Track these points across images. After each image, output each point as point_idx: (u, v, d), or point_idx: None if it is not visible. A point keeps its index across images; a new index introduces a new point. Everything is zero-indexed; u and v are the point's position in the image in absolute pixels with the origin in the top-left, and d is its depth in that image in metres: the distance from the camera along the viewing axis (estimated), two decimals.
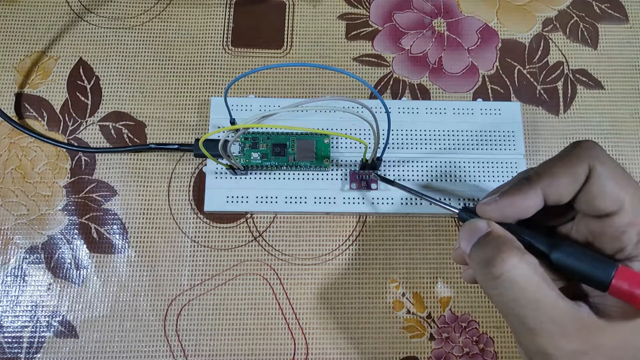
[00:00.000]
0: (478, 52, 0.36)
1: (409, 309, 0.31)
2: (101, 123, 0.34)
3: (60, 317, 0.31)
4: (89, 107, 0.34)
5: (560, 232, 0.23)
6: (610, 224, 0.20)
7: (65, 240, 0.32)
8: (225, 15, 0.37)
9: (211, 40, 0.36)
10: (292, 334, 0.31)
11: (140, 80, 0.35)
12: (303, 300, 0.31)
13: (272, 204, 0.31)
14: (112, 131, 0.34)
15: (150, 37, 0.36)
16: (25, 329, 0.30)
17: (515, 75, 0.36)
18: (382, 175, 0.32)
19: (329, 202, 0.31)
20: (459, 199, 0.32)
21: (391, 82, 0.35)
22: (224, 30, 0.36)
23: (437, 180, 0.32)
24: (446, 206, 0.26)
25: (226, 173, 0.32)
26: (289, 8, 0.37)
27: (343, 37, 0.36)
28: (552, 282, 0.20)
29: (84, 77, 0.35)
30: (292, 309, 0.31)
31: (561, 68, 0.36)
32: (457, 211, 0.24)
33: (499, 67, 0.36)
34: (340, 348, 0.31)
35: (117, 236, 0.32)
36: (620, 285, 0.19)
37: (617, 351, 0.19)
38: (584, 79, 0.36)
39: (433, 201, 0.27)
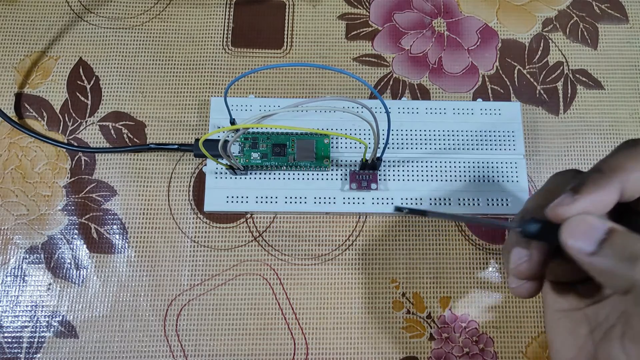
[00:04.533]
0: (478, 52, 0.36)
1: (409, 309, 0.31)
2: (101, 123, 0.34)
3: (60, 317, 0.31)
4: (89, 107, 0.34)
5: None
6: None
7: (65, 240, 0.32)
8: (225, 15, 0.37)
9: (211, 40, 0.36)
10: (292, 334, 0.31)
11: (140, 80, 0.35)
12: (303, 300, 0.31)
13: (272, 204, 0.31)
14: (112, 131, 0.34)
15: (150, 37, 0.36)
16: (25, 329, 0.30)
17: (515, 75, 0.36)
18: (384, 176, 0.32)
19: (329, 202, 0.31)
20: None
21: (391, 82, 0.35)
22: (224, 30, 0.36)
23: (437, 180, 0.32)
24: (501, 226, 0.22)
25: (226, 173, 0.32)
26: (289, 8, 0.37)
27: (343, 37, 0.36)
28: None
29: (84, 77, 0.35)
30: (292, 309, 0.31)
31: (561, 68, 0.36)
32: (518, 228, 0.21)
33: (499, 67, 0.36)
34: (340, 348, 0.31)
35: (117, 236, 0.32)
36: None
37: None
38: (584, 79, 0.36)
39: (485, 224, 0.23)
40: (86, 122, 0.34)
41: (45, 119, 0.34)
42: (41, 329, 0.30)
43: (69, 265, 0.31)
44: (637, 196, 0.20)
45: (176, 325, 0.31)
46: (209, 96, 0.35)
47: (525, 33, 0.37)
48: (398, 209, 0.22)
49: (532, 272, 0.22)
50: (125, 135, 0.34)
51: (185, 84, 0.35)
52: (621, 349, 0.19)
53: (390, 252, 0.32)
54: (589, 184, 0.20)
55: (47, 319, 0.30)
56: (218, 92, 0.35)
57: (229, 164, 0.30)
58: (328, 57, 0.36)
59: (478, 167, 0.32)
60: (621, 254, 0.18)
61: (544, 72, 0.36)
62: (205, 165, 0.33)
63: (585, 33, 0.37)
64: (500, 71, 0.36)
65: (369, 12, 0.37)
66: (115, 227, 0.32)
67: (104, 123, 0.34)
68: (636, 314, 0.19)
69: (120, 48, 0.36)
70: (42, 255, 0.31)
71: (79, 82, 0.35)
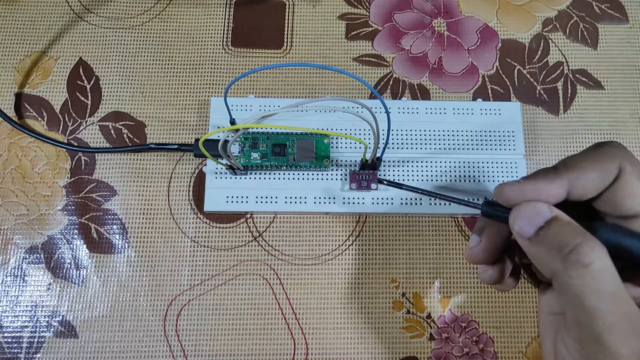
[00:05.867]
0: (478, 52, 0.36)
1: (409, 309, 0.31)
2: (101, 123, 0.34)
3: (60, 317, 0.31)
4: (89, 107, 0.34)
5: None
6: (638, 226, 0.20)
7: (65, 240, 0.32)
8: (225, 15, 0.37)
9: (211, 40, 0.36)
10: (292, 334, 0.31)
11: (140, 80, 0.35)
12: (303, 300, 0.31)
13: (272, 204, 0.31)
14: (112, 131, 0.34)
15: (150, 37, 0.36)
16: (25, 329, 0.30)
17: (515, 75, 0.36)
18: (384, 176, 0.32)
19: (329, 202, 0.31)
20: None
21: (391, 82, 0.35)
22: (224, 30, 0.36)
23: (437, 180, 0.32)
24: (466, 203, 0.24)
25: (226, 173, 0.32)
26: (289, 8, 0.37)
27: (343, 37, 0.36)
28: None
29: (84, 77, 0.35)
30: (292, 309, 0.31)
31: (561, 68, 0.36)
32: (479, 205, 0.23)
33: (499, 67, 0.36)
34: (340, 348, 0.31)
35: (117, 236, 0.32)
36: None
37: None
38: (584, 79, 0.36)
39: (452, 199, 0.25)
40: (86, 122, 0.34)
41: (45, 119, 0.34)
42: (41, 329, 0.30)
43: (69, 265, 0.31)
44: (589, 196, 0.21)
45: (176, 325, 0.31)
46: (209, 96, 0.35)
47: (525, 33, 0.37)
48: (379, 181, 0.30)
49: (482, 258, 0.23)
50: (125, 135, 0.34)
51: (185, 84, 0.35)
52: (561, 340, 0.20)
53: (390, 252, 0.32)
54: (538, 174, 0.21)
55: (47, 319, 0.30)
56: (218, 92, 0.35)
57: (229, 164, 0.30)
58: (328, 57, 0.36)
59: (478, 167, 0.32)
60: (552, 242, 0.19)
61: (544, 72, 0.36)
62: (205, 165, 0.33)
63: (585, 33, 0.37)
64: (500, 71, 0.36)
65: (369, 12, 0.37)
66: (115, 227, 0.32)
67: (104, 123, 0.34)
68: (564, 302, 0.19)
69: (120, 48, 0.36)
70: (42, 255, 0.31)
71: (79, 82, 0.35)
